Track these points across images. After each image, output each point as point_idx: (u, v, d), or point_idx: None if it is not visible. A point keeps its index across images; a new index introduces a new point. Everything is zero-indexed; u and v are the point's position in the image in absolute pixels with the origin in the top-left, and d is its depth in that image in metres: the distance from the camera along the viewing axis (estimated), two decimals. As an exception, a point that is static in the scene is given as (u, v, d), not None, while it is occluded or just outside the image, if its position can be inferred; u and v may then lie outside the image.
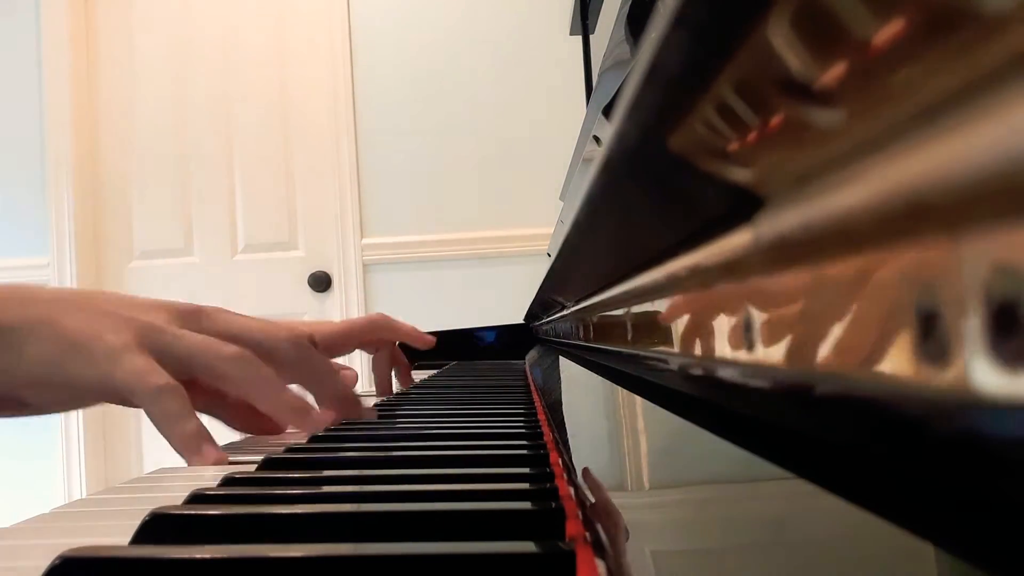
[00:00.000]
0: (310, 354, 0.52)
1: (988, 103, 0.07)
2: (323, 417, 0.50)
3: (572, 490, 0.29)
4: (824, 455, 0.13)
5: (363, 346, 0.80)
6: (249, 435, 0.56)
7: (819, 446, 0.13)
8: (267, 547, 0.22)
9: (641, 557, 0.19)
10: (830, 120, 0.12)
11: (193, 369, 0.47)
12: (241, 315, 0.53)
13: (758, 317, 0.16)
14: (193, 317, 0.49)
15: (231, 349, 0.47)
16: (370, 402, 0.64)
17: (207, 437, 0.44)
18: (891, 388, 0.10)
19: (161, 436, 0.44)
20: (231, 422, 0.55)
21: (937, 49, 0.08)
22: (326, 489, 0.33)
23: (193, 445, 0.44)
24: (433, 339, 0.84)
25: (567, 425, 0.43)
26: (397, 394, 0.79)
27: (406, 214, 2.34)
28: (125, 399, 0.45)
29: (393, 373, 0.85)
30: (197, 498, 0.30)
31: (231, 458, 0.45)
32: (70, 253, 2.35)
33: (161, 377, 0.44)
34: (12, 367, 0.45)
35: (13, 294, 0.47)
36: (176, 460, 0.45)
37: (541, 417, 0.52)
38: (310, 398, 0.54)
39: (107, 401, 0.47)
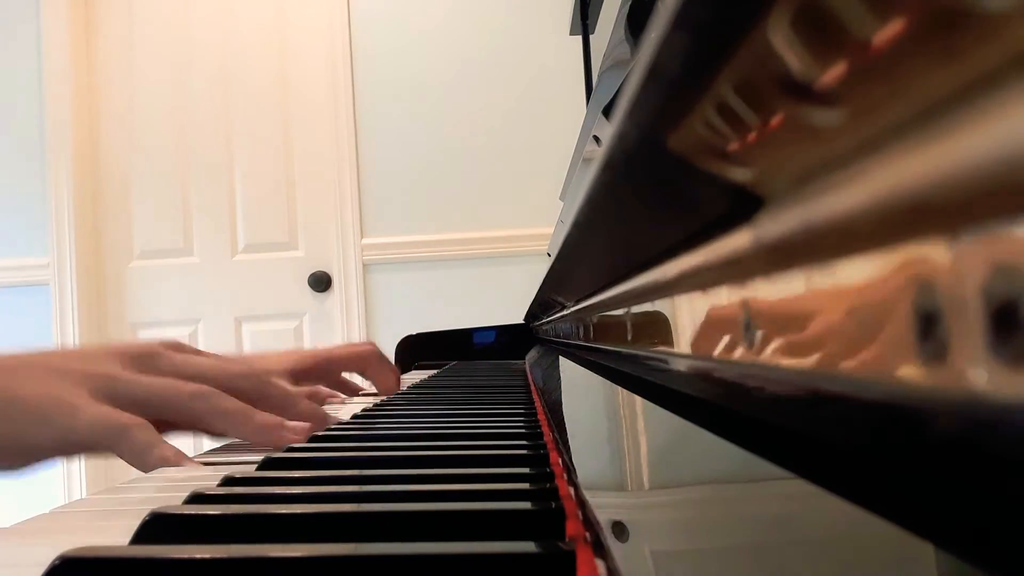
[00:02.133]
0: (266, 383, 0.52)
1: (988, 103, 0.07)
2: (299, 428, 0.50)
3: (572, 490, 0.29)
4: (824, 455, 0.13)
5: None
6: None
7: (819, 446, 0.13)
8: (267, 547, 0.22)
9: (641, 557, 0.19)
10: (830, 120, 0.12)
11: (155, 411, 0.46)
12: (195, 351, 0.53)
13: (758, 317, 0.16)
14: (147, 359, 0.49)
15: (190, 387, 0.47)
16: (358, 408, 0.64)
17: (184, 456, 0.44)
18: (891, 388, 0.10)
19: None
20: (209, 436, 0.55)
21: (937, 49, 0.08)
22: (326, 489, 0.33)
23: (170, 465, 0.44)
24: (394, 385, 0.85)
25: (567, 425, 0.43)
26: (397, 394, 0.79)
27: (406, 214, 2.34)
28: (93, 448, 0.45)
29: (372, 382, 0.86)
30: (197, 498, 0.30)
31: (232, 458, 0.45)
32: (70, 253, 2.35)
33: (120, 416, 0.44)
34: None
35: None
36: None
37: (541, 417, 0.52)
38: None
39: (76, 454, 0.46)
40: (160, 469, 0.43)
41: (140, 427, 0.44)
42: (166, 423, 0.48)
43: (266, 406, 0.50)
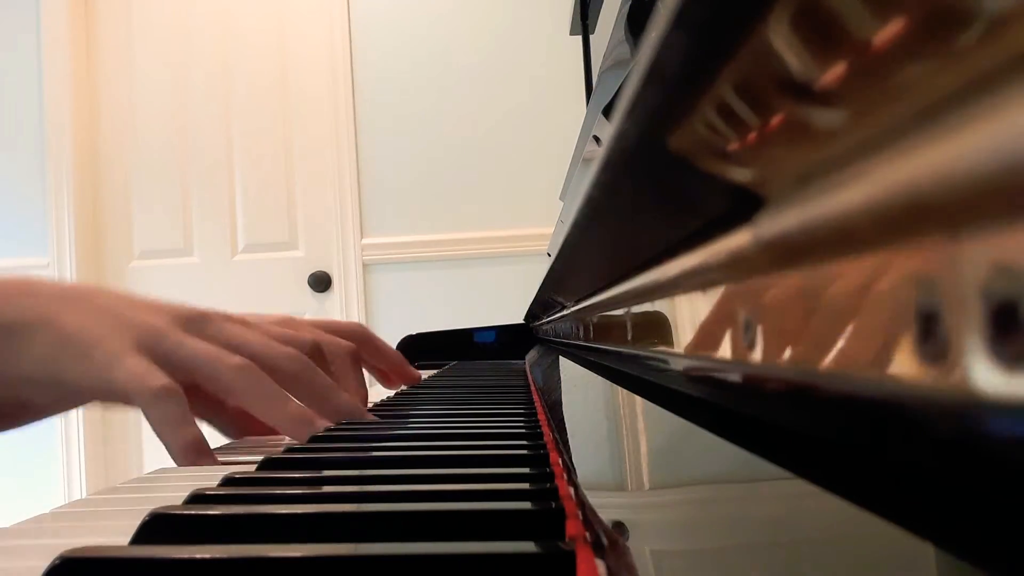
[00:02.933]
0: (311, 370, 0.51)
1: (988, 103, 0.07)
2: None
3: (572, 490, 0.29)
4: (824, 455, 0.13)
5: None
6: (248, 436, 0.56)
7: (819, 446, 0.13)
8: (267, 547, 0.22)
9: (641, 557, 0.19)
10: (830, 120, 0.12)
11: (195, 377, 0.46)
12: (244, 322, 0.52)
13: (758, 317, 0.16)
14: (196, 323, 0.48)
15: (235, 359, 0.46)
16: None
17: (205, 449, 0.44)
18: (891, 388, 0.10)
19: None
20: (227, 430, 0.54)
21: (937, 49, 0.08)
22: (326, 489, 0.33)
23: (191, 455, 0.43)
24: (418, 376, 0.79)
25: (567, 425, 0.43)
26: (397, 394, 0.79)
27: (406, 214, 2.34)
28: (125, 401, 0.44)
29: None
30: (197, 498, 0.30)
31: (232, 458, 0.45)
32: (70, 253, 2.35)
33: (161, 379, 0.43)
34: (10, 366, 0.44)
35: (14, 288, 0.46)
36: None
37: (541, 417, 0.52)
38: None
39: (107, 401, 0.46)
40: (159, 469, 0.43)
41: (176, 397, 0.43)
42: (198, 389, 0.48)
43: (306, 392, 0.50)
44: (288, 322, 0.62)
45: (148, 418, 0.43)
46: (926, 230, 0.09)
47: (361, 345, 0.68)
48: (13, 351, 0.44)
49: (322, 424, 0.48)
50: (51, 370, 0.44)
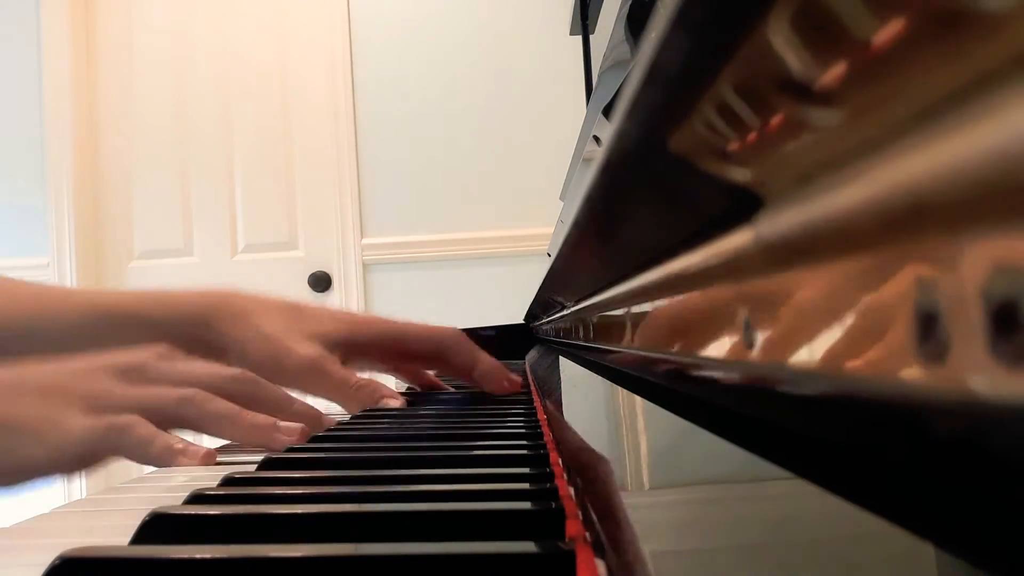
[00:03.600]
0: (257, 385, 0.51)
1: (988, 103, 0.07)
2: (292, 428, 0.49)
3: (572, 490, 0.29)
4: (824, 455, 0.13)
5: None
6: None
7: (819, 446, 0.13)
8: (267, 547, 0.22)
9: (641, 557, 0.19)
10: (830, 120, 0.12)
11: (152, 421, 0.46)
12: (183, 360, 0.51)
13: (758, 317, 0.16)
14: (136, 371, 0.48)
15: (177, 392, 0.47)
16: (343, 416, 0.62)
17: (185, 445, 0.44)
18: (891, 388, 0.10)
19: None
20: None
21: (937, 49, 0.08)
22: (326, 489, 0.33)
23: (176, 457, 0.44)
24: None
25: (567, 425, 0.43)
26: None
27: (406, 214, 2.34)
28: (93, 457, 0.44)
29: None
30: (197, 498, 0.30)
31: (231, 458, 0.45)
32: (70, 253, 2.35)
33: (116, 419, 0.43)
34: None
35: None
36: None
37: (541, 417, 0.52)
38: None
39: (76, 469, 0.45)
40: (160, 470, 0.43)
41: (135, 424, 0.44)
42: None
43: (259, 409, 0.49)
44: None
45: (124, 455, 0.43)
46: (926, 230, 0.09)
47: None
48: None
49: (287, 428, 0.48)
50: (6, 458, 0.43)
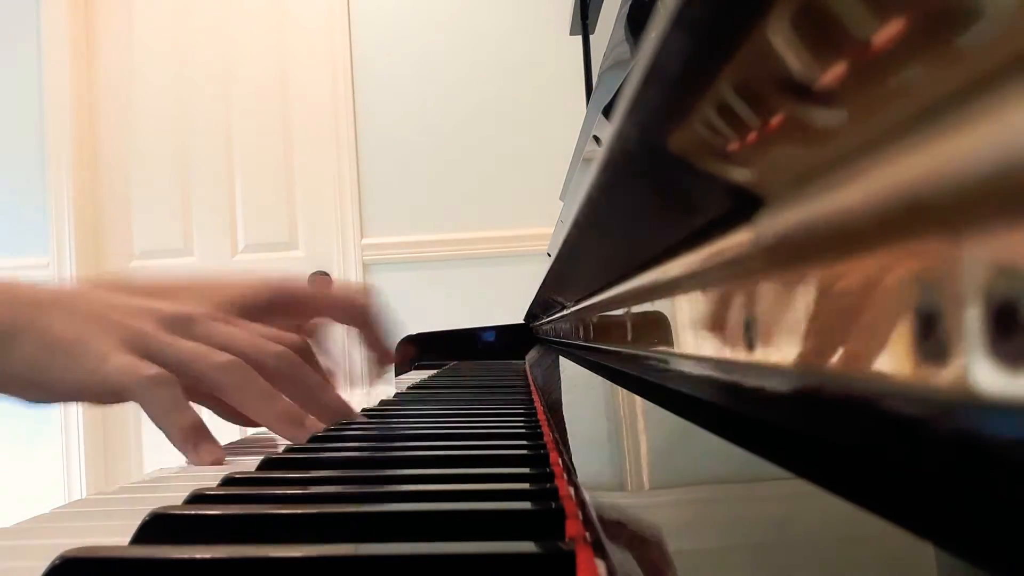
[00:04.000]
0: (300, 368, 0.50)
1: (987, 103, 0.07)
2: (317, 427, 0.48)
3: (572, 490, 0.29)
4: (824, 455, 0.13)
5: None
6: (247, 433, 0.55)
7: (819, 446, 0.13)
8: (267, 547, 0.22)
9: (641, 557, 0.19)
10: (830, 120, 0.12)
11: (183, 377, 0.46)
12: (231, 321, 0.51)
13: (758, 317, 0.16)
14: (182, 323, 0.48)
15: (223, 357, 0.46)
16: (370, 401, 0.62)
17: (205, 434, 0.44)
18: (891, 388, 0.10)
19: (161, 433, 0.44)
20: (229, 419, 0.53)
21: (937, 49, 0.08)
22: (326, 489, 0.33)
23: (191, 440, 0.43)
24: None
25: (567, 425, 0.43)
26: (397, 394, 0.79)
27: (406, 214, 2.34)
28: (118, 396, 0.45)
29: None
30: (197, 498, 0.30)
31: (231, 458, 0.45)
32: (70, 253, 2.35)
33: (151, 368, 0.43)
34: None
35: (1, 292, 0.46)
36: (176, 458, 0.45)
37: (541, 417, 0.52)
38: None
39: (101, 400, 0.46)
40: (159, 469, 0.43)
41: (168, 383, 0.44)
42: (189, 389, 0.47)
43: (295, 390, 0.49)
44: (286, 284, 0.60)
45: (144, 407, 0.43)
46: (926, 230, 0.09)
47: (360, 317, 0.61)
48: (2, 355, 0.45)
49: (312, 423, 0.48)
50: (40, 373, 0.45)
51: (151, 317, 0.47)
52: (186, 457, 0.44)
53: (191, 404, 0.45)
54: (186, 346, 0.46)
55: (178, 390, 0.44)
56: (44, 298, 0.47)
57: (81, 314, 0.46)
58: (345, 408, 0.53)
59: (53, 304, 0.46)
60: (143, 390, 0.43)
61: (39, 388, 0.46)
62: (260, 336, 0.50)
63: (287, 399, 0.48)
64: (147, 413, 0.44)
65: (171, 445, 0.45)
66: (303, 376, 0.50)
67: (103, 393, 0.45)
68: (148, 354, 0.45)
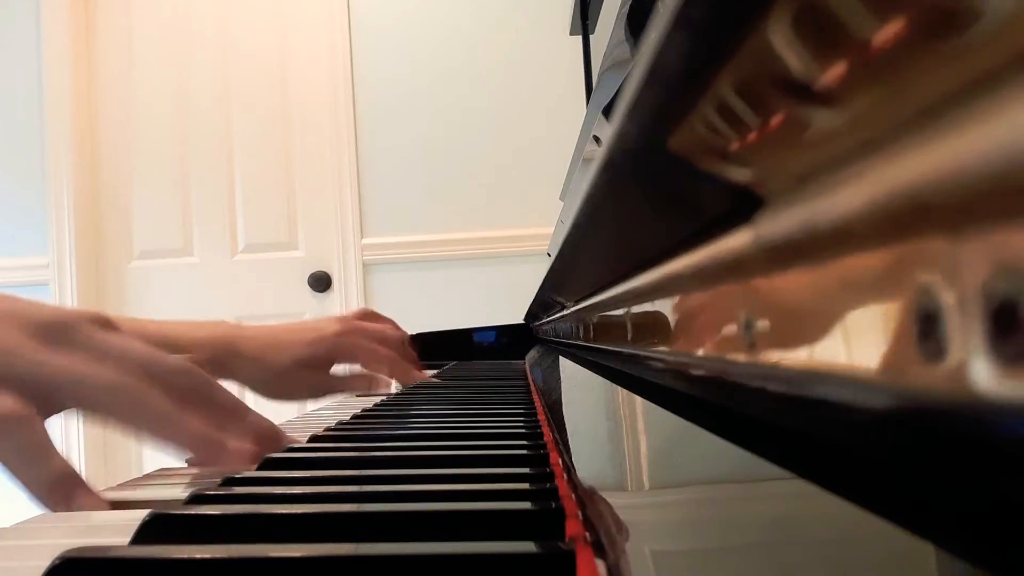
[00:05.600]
0: (208, 384, 0.42)
1: (987, 103, 0.07)
2: (243, 450, 0.40)
3: (572, 490, 0.29)
4: (824, 455, 0.13)
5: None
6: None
7: (819, 446, 0.13)
8: (267, 547, 0.22)
9: (641, 557, 0.19)
10: (830, 120, 0.12)
11: (60, 401, 0.38)
12: (117, 328, 0.42)
13: (758, 317, 0.16)
14: (61, 332, 0.39)
15: (109, 375, 0.38)
16: (358, 408, 0.61)
17: (75, 482, 0.35)
18: (891, 388, 0.10)
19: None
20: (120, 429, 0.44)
21: (936, 49, 0.08)
22: (326, 489, 0.33)
23: (58, 492, 0.35)
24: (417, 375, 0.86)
25: (567, 425, 0.43)
26: (397, 394, 0.79)
27: (406, 214, 2.34)
28: None
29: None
30: (197, 498, 0.30)
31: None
32: (70, 253, 2.35)
33: (3, 405, 0.34)
34: None
35: None
36: (176, 458, 0.44)
37: (541, 417, 0.52)
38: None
39: None
40: (159, 469, 0.43)
41: (21, 423, 0.34)
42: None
43: (207, 413, 0.41)
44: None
45: (15, 467, 0.35)
46: (926, 230, 0.09)
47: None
48: None
49: (236, 446, 0.40)
50: None
51: (19, 327, 0.38)
52: (52, 510, 0.35)
53: (55, 449, 0.36)
54: (60, 362, 0.38)
55: (39, 431, 0.35)
56: None
57: None
58: (272, 432, 0.44)
59: None
60: None
61: None
62: (156, 350, 0.41)
63: (193, 420, 0.39)
64: (3, 461, 0.35)
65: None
66: (214, 395, 0.42)
67: None
68: (14, 373, 0.36)
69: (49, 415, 0.38)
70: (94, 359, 0.38)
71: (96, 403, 0.38)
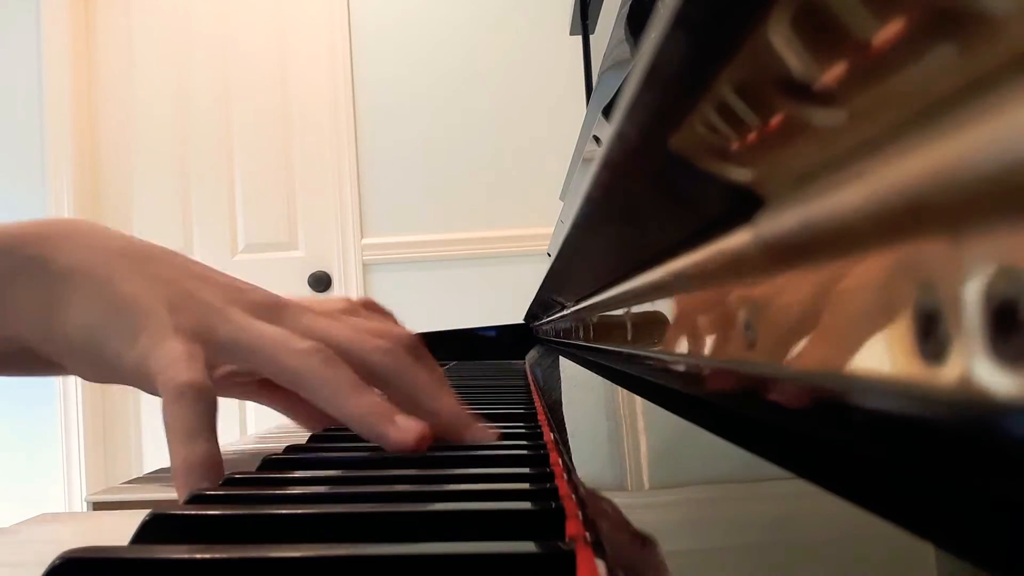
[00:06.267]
0: (408, 366, 0.42)
1: (987, 103, 0.07)
2: (412, 427, 0.38)
3: (572, 490, 0.29)
4: (824, 455, 0.13)
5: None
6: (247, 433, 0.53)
7: (819, 446, 0.13)
8: (267, 547, 0.22)
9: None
10: (830, 120, 0.12)
11: (256, 364, 0.39)
12: (330, 315, 0.44)
13: (758, 317, 0.16)
14: (269, 310, 0.41)
15: (304, 344, 0.38)
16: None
17: (212, 472, 0.35)
18: (891, 388, 0.10)
19: (161, 432, 0.37)
20: (300, 421, 0.47)
21: (936, 49, 0.08)
22: (326, 489, 0.33)
23: (192, 475, 0.35)
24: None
25: (567, 425, 0.43)
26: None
27: (406, 214, 2.34)
28: (153, 391, 0.37)
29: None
30: (197, 498, 0.30)
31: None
32: (70, 253, 2.35)
33: (190, 373, 0.36)
34: (57, 321, 0.39)
35: (75, 232, 0.42)
36: None
37: (541, 417, 0.52)
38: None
39: (143, 389, 0.39)
40: (159, 469, 0.43)
41: (199, 399, 0.36)
42: (263, 385, 0.42)
43: (406, 392, 0.41)
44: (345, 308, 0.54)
45: (164, 417, 0.36)
46: (926, 230, 0.09)
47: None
48: (63, 303, 0.39)
49: (403, 426, 0.38)
50: (93, 339, 0.38)
51: (234, 296, 0.40)
52: (177, 492, 0.35)
53: (214, 431, 0.37)
54: (264, 330, 0.39)
55: (208, 411, 0.36)
56: (121, 250, 0.40)
57: (156, 280, 0.39)
58: (465, 417, 0.42)
59: (130, 260, 0.40)
60: (168, 397, 0.36)
61: (87, 357, 0.39)
62: (362, 331, 0.42)
63: (377, 396, 0.39)
64: (164, 425, 0.36)
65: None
66: (416, 375, 0.42)
67: (144, 384, 0.38)
68: (216, 337, 0.38)
69: (241, 381, 0.41)
70: (296, 334, 0.39)
71: (282, 368, 0.38)
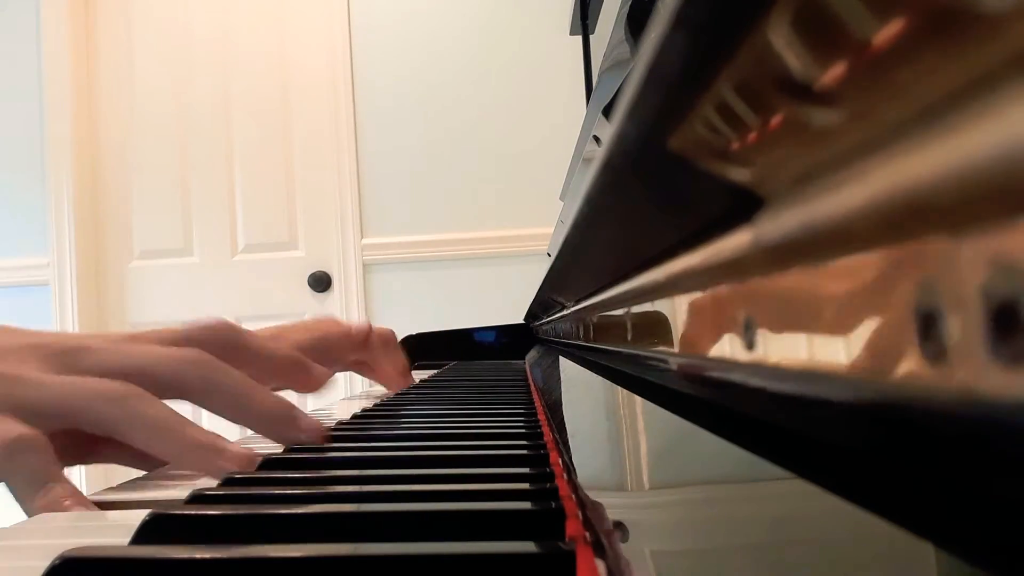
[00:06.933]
0: (220, 371, 0.41)
1: (987, 103, 0.07)
2: (240, 455, 0.38)
3: (572, 490, 0.29)
4: (824, 455, 0.13)
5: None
6: (247, 433, 0.49)
7: (819, 446, 0.13)
8: (267, 547, 0.22)
9: (641, 557, 0.19)
10: (830, 120, 0.12)
11: (65, 419, 0.37)
12: (134, 338, 0.42)
13: (758, 317, 0.16)
14: (71, 356, 0.39)
15: (107, 386, 0.37)
16: (358, 408, 0.56)
17: (81, 500, 0.34)
18: (890, 388, 0.10)
19: None
20: (134, 464, 0.43)
21: (937, 49, 0.08)
22: (326, 489, 0.33)
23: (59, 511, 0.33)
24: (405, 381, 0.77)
25: (567, 425, 0.43)
26: (397, 394, 0.79)
27: (406, 214, 2.34)
28: None
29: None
30: (197, 498, 0.30)
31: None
32: (70, 253, 2.35)
33: (6, 433, 0.34)
34: None
35: None
36: None
37: (541, 417, 0.52)
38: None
39: None
40: (159, 469, 0.43)
41: (29, 448, 0.34)
42: (89, 442, 0.39)
43: (220, 400, 0.41)
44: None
45: (7, 483, 0.34)
46: (926, 230, 0.09)
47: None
48: None
49: (234, 455, 0.38)
50: None
51: (31, 356, 0.39)
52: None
53: (61, 472, 0.35)
54: (63, 382, 0.37)
55: (46, 456, 0.35)
56: None
57: None
58: (287, 416, 0.43)
59: None
60: (2, 460, 0.34)
61: None
62: (165, 350, 0.41)
63: (197, 427, 0.39)
64: (11, 490, 0.34)
65: None
66: (223, 379, 0.41)
67: None
68: (17, 403, 0.36)
69: (79, 440, 0.39)
70: (101, 375, 0.38)
71: (93, 418, 0.37)
